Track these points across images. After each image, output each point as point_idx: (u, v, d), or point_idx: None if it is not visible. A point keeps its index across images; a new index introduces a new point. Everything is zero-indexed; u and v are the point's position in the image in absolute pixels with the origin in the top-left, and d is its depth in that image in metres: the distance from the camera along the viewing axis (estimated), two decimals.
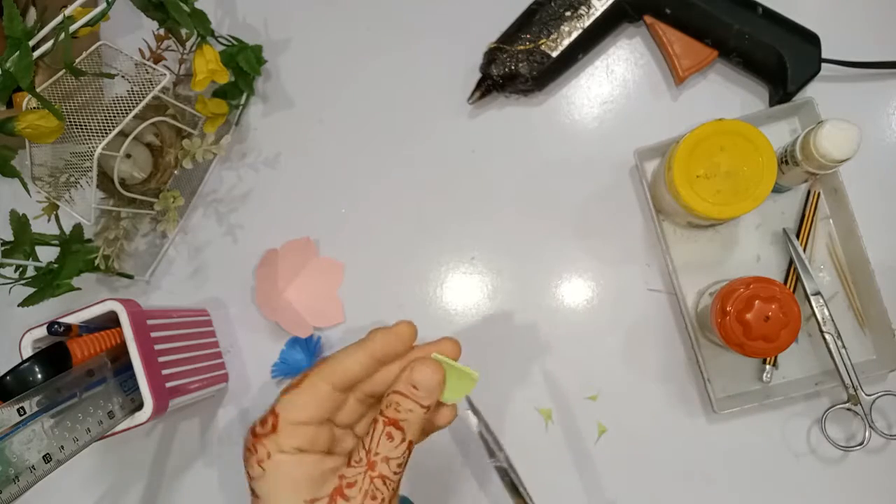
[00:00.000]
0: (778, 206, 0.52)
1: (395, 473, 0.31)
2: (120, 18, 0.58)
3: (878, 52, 0.52)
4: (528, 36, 0.53)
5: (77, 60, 0.49)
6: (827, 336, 0.47)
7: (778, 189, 0.52)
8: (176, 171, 0.58)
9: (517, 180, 0.56)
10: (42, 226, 0.51)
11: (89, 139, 0.47)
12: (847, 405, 0.48)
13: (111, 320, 0.47)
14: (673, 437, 0.52)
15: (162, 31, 0.54)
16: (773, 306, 0.44)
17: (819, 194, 0.51)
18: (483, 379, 0.35)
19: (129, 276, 0.58)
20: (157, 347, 0.47)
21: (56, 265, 0.51)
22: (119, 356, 0.46)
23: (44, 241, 0.50)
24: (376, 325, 0.56)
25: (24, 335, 0.46)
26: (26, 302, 0.50)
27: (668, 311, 0.53)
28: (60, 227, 0.52)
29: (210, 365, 0.55)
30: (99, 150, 0.46)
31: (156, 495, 0.57)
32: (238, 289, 0.58)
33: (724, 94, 0.55)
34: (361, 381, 0.34)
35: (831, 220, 0.52)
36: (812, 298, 0.48)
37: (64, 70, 0.47)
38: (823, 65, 0.51)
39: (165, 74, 0.49)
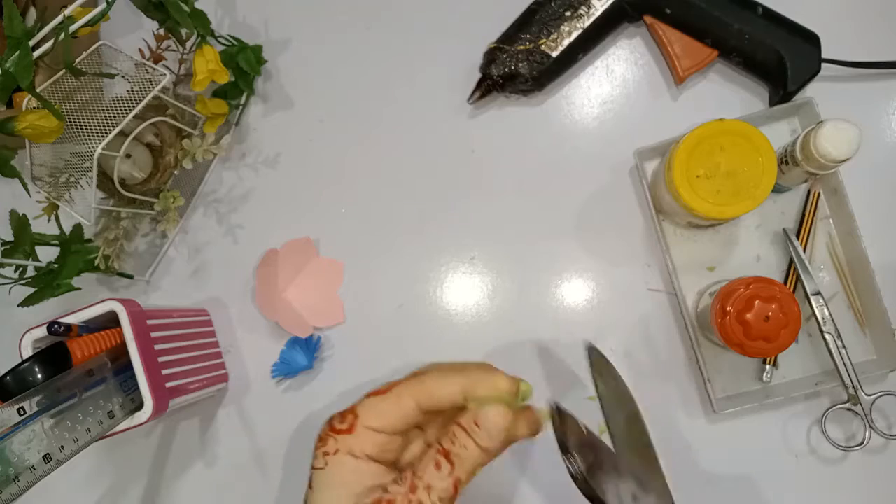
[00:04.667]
0: (778, 206, 0.52)
1: None
2: (120, 18, 0.58)
3: (878, 52, 0.52)
4: (528, 36, 0.53)
5: (77, 60, 0.49)
6: (827, 336, 0.47)
7: (778, 189, 0.52)
8: (176, 171, 0.58)
9: (517, 180, 0.56)
10: (42, 226, 0.51)
11: (89, 139, 0.47)
12: (847, 405, 0.48)
13: (111, 320, 0.47)
14: (673, 437, 0.52)
15: (162, 31, 0.54)
16: (773, 306, 0.44)
17: (819, 194, 0.51)
18: None
19: (129, 276, 0.58)
20: (157, 347, 0.47)
21: (56, 265, 0.51)
22: (119, 356, 0.46)
23: (44, 241, 0.50)
24: (377, 326, 0.57)
25: (24, 335, 0.46)
26: (26, 302, 0.50)
27: (668, 311, 0.53)
28: (60, 227, 0.52)
29: (210, 365, 0.55)
30: (99, 150, 0.46)
31: (156, 495, 0.57)
32: (238, 289, 0.58)
33: (724, 94, 0.55)
34: (445, 412, 0.33)
35: (831, 220, 0.52)
36: (812, 298, 0.48)
37: (64, 70, 0.47)
38: (823, 65, 0.51)
39: (165, 74, 0.49)
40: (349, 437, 0.32)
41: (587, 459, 0.30)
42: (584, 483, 0.30)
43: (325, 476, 0.32)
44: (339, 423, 0.33)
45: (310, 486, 0.33)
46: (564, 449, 0.31)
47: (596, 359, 0.34)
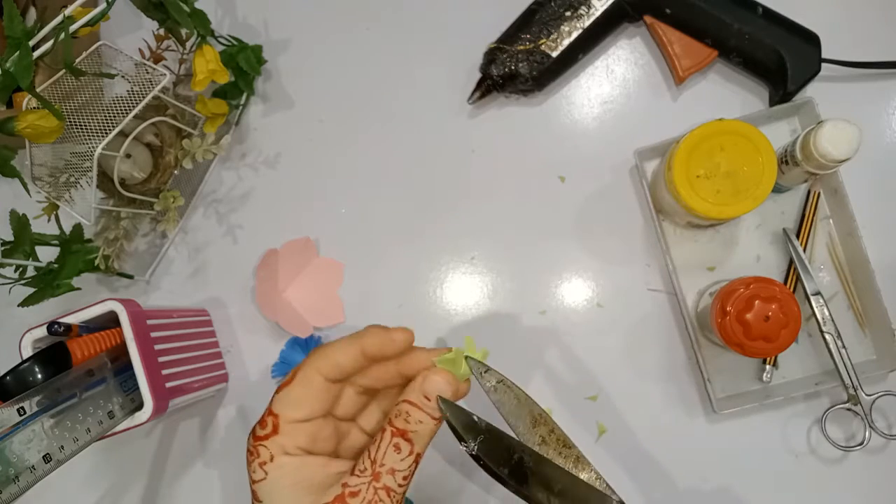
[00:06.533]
0: (778, 206, 0.52)
1: (401, 486, 0.30)
2: (120, 18, 0.58)
3: (878, 52, 0.52)
4: (528, 36, 0.53)
5: (77, 60, 0.49)
6: (827, 336, 0.47)
7: (778, 189, 0.52)
8: (176, 171, 0.58)
9: (517, 180, 0.56)
10: (42, 226, 0.51)
11: (89, 139, 0.47)
12: (847, 405, 0.48)
13: (111, 320, 0.47)
14: (673, 437, 0.52)
15: (162, 31, 0.54)
16: (773, 306, 0.44)
17: (819, 194, 0.51)
18: None
19: (129, 276, 0.59)
20: (157, 347, 0.47)
21: (56, 265, 0.51)
22: (119, 356, 0.46)
23: (44, 241, 0.50)
24: (377, 325, 0.56)
25: (24, 335, 0.46)
26: (26, 302, 0.50)
27: (668, 311, 0.53)
28: (60, 227, 0.52)
29: (210, 365, 0.55)
30: (99, 150, 0.46)
31: (156, 495, 0.57)
32: (238, 289, 0.58)
33: (724, 94, 0.55)
34: (354, 375, 0.33)
35: (831, 220, 0.52)
36: (812, 298, 0.48)
37: (64, 70, 0.47)
38: (823, 65, 0.51)
39: (165, 74, 0.49)
40: (277, 438, 0.31)
41: (483, 440, 0.31)
42: (483, 461, 0.31)
43: (271, 483, 0.31)
44: (262, 429, 0.32)
45: (257, 500, 0.32)
46: (458, 436, 0.31)
47: (476, 368, 0.34)
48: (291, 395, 0.32)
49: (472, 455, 0.31)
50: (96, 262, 0.54)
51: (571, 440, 0.34)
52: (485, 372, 0.34)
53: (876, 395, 0.47)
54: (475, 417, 0.32)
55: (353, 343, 0.33)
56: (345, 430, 0.35)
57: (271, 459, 0.31)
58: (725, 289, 0.45)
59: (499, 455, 0.31)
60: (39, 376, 0.42)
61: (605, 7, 0.52)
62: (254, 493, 0.32)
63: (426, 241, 0.56)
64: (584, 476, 0.33)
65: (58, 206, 0.52)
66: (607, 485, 0.33)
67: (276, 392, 0.33)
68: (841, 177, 0.49)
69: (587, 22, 0.53)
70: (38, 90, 0.44)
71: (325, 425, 0.33)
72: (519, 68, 0.53)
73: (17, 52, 0.42)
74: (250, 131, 0.60)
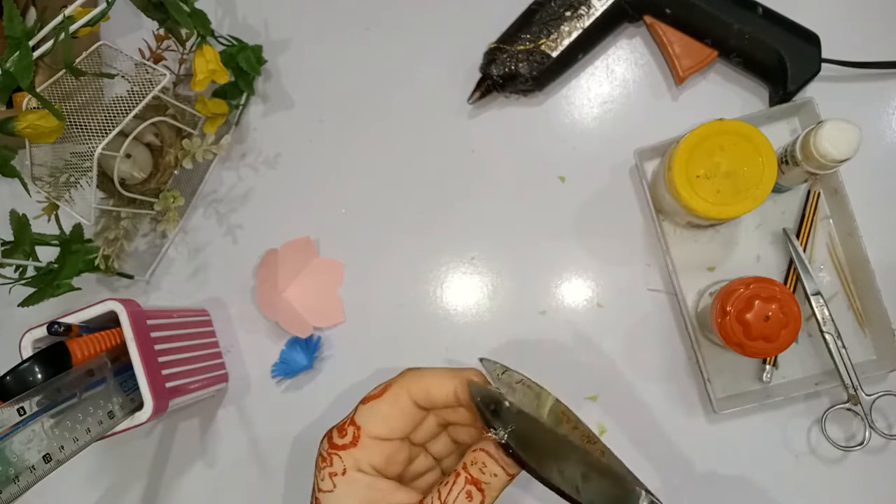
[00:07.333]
0: (778, 206, 0.52)
1: None
2: (120, 18, 0.58)
3: (878, 52, 0.52)
4: (528, 36, 0.53)
5: (77, 60, 0.49)
6: (827, 336, 0.47)
7: (778, 189, 0.52)
8: (176, 171, 0.58)
9: (517, 180, 0.56)
10: (42, 226, 0.51)
11: (89, 139, 0.47)
12: (847, 405, 0.48)
13: (111, 320, 0.47)
14: (673, 437, 0.52)
15: (162, 31, 0.54)
16: (773, 306, 0.43)
17: (819, 194, 0.51)
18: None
19: (129, 276, 0.59)
20: (157, 347, 0.47)
21: (56, 265, 0.51)
22: (119, 356, 0.46)
23: (44, 241, 0.50)
24: (377, 326, 0.57)
25: (24, 335, 0.46)
26: (26, 302, 0.50)
27: (668, 311, 0.53)
28: (60, 227, 0.52)
29: (210, 365, 0.55)
30: (99, 150, 0.47)
31: (156, 495, 0.57)
32: (238, 289, 0.58)
33: (724, 94, 0.55)
34: (440, 409, 0.33)
35: (831, 220, 0.52)
36: (812, 298, 0.48)
37: (64, 70, 0.47)
38: (823, 65, 0.51)
39: (165, 74, 0.49)
40: (355, 451, 0.31)
41: (514, 429, 0.31)
42: (512, 451, 0.30)
43: (336, 499, 0.30)
44: (340, 437, 0.31)
45: None
46: (488, 423, 0.30)
47: (492, 370, 0.33)
48: (378, 410, 0.31)
49: (501, 444, 0.30)
50: (96, 262, 0.54)
51: (596, 434, 0.34)
52: (503, 373, 0.33)
53: (876, 395, 0.47)
54: (507, 403, 0.31)
55: (450, 380, 0.32)
56: (414, 454, 0.34)
57: (343, 472, 0.30)
58: (725, 289, 0.45)
59: (529, 444, 0.31)
60: (39, 376, 0.42)
61: (605, 7, 0.52)
62: (317, 500, 0.31)
63: (426, 240, 0.56)
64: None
65: (58, 206, 0.52)
66: (634, 477, 0.33)
67: (362, 402, 0.32)
68: (841, 177, 0.49)
69: (587, 22, 0.53)
70: (38, 90, 0.44)
71: (402, 448, 0.32)
72: (519, 68, 0.53)
73: (17, 52, 0.42)
74: (250, 131, 0.60)
